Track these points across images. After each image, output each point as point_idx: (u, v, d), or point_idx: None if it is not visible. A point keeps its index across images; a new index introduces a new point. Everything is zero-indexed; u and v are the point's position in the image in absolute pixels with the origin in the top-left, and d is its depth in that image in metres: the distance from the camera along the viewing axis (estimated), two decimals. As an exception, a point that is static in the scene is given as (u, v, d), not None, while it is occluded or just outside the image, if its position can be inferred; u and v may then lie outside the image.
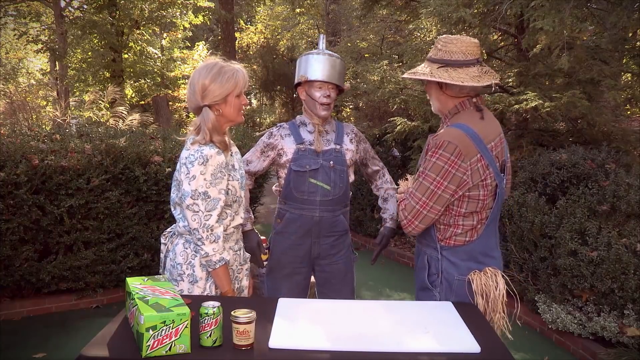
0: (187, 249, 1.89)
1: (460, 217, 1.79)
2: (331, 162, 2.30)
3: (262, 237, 2.42)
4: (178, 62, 12.26)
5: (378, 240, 2.45)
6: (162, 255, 2.01)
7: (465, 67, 1.79)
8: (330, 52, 2.34)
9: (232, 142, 2.02)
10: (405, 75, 1.92)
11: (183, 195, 1.80)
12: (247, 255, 2.12)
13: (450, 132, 1.75)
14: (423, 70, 1.84)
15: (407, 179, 1.95)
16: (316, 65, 2.30)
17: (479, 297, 1.77)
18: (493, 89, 1.97)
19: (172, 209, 1.94)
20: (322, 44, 2.41)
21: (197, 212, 1.78)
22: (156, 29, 11.74)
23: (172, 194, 1.94)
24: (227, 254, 1.86)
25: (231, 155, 1.96)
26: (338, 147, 2.34)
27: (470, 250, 1.82)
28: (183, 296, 1.61)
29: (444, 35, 1.88)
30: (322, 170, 2.29)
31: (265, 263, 2.40)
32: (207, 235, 1.79)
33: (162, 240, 2.01)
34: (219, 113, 1.86)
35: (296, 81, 2.38)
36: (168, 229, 2.03)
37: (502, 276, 1.83)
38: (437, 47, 1.84)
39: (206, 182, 1.78)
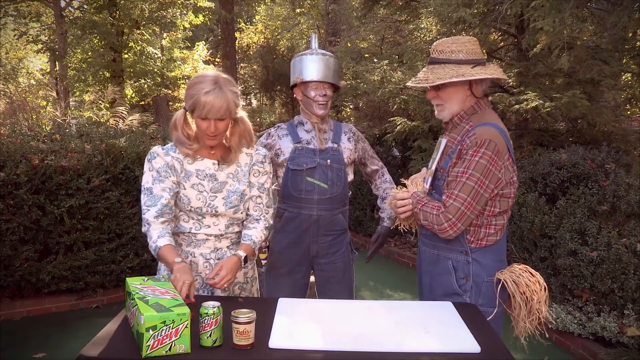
0: None
1: (492, 217, 1.76)
2: (328, 161, 2.31)
3: None
4: (178, 62, 12.27)
5: (374, 239, 2.44)
6: None
7: (487, 65, 1.80)
8: (323, 51, 2.35)
9: (238, 154, 1.88)
10: (454, 79, 1.74)
11: None
12: None
13: (487, 130, 1.71)
14: (462, 72, 1.75)
15: (404, 185, 1.92)
16: (311, 66, 2.30)
17: (518, 295, 1.72)
18: (503, 84, 1.99)
19: None
20: (314, 43, 2.42)
21: (142, 206, 1.81)
22: (156, 29, 11.75)
23: None
24: (162, 240, 1.74)
25: (217, 165, 1.86)
26: (335, 145, 2.35)
27: (496, 249, 1.80)
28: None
29: (454, 37, 1.84)
30: (319, 168, 2.29)
31: (264, 262, 2.40)
32: (146, 227, 1.79)
33: None
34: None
35: (292, 83, 2.40)
36: None
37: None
38: (457, 49, 1.78)
39: (152, 179, 1.81)
